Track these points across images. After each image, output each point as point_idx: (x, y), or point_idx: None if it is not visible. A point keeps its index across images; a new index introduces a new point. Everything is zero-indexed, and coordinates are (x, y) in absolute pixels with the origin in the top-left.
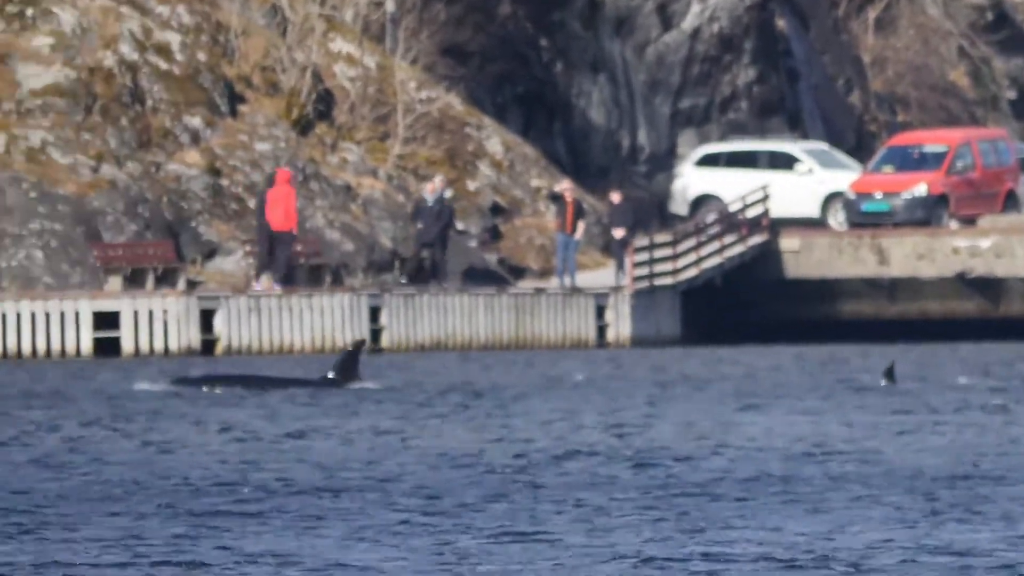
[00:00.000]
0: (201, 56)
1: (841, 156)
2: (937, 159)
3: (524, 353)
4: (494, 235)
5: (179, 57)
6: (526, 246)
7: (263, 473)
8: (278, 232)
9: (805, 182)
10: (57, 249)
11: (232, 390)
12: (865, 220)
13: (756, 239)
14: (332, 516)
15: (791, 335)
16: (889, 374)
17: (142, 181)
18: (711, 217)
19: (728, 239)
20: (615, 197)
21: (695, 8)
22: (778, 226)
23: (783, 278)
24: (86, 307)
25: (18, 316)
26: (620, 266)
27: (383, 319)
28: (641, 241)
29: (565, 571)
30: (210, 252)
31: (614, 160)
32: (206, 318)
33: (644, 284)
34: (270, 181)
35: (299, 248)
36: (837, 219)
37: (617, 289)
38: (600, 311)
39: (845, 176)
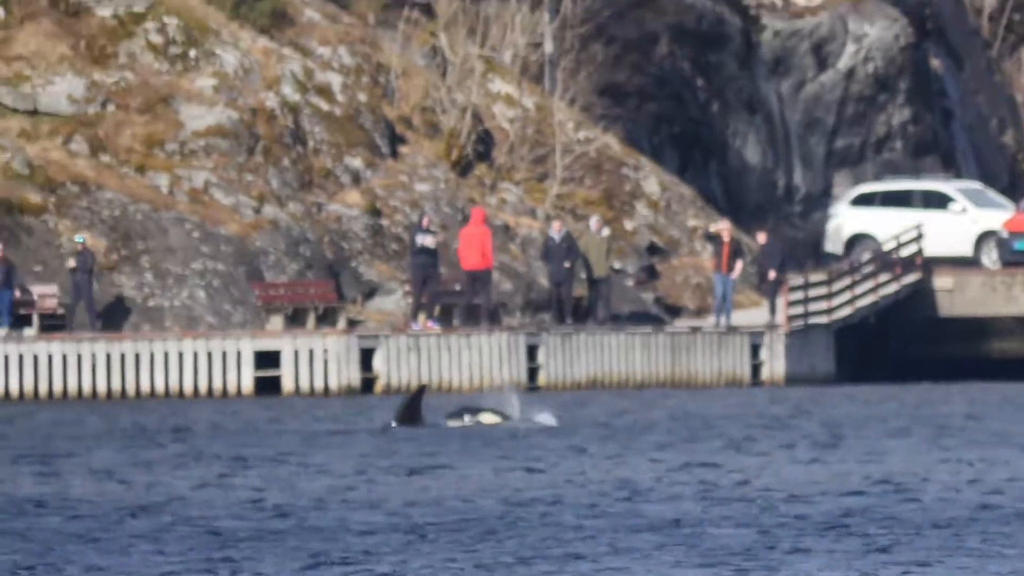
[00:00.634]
0: (362, 97)
1: (994, 195)
2: None
3: (682, 392)
4: (651, 274)
5: (340, 98)
6: (682, 285)
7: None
8: (474, 271)
9: (959, 221)
10: (219, 288)
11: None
12: (1018, 259)
13: (910, 278)
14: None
15: (944, 373)
16: None
17: (303, 221)
18: (866, 256)
19: (882, 278)
20: (762, 237)
21: (850, 48)
22: (932, 265)
23: (936, 316)
24: (248, 346)
25: (180, 355)
26: (772, 307)
27: (540, 357)
28: (796, 280)
29: None
30: (370, 291)
31: (769, 200)
32: (366, 357)
33: (799, 323)
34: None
35: (458, 287)
36: (990, 258)
37: (772, 328)
38: (755, 350)
39: (998, 215)
